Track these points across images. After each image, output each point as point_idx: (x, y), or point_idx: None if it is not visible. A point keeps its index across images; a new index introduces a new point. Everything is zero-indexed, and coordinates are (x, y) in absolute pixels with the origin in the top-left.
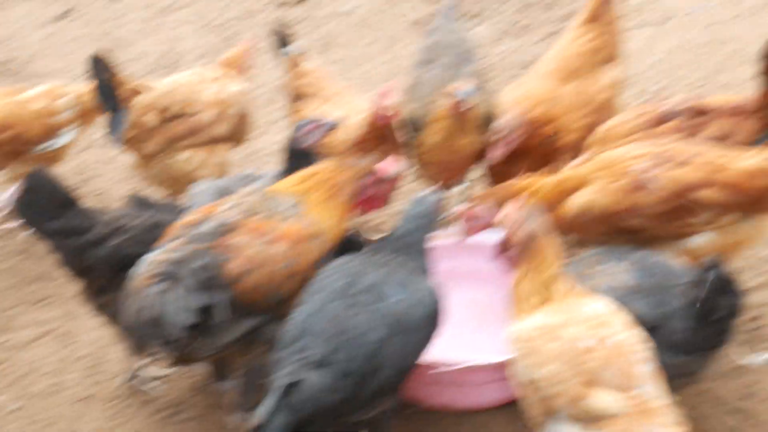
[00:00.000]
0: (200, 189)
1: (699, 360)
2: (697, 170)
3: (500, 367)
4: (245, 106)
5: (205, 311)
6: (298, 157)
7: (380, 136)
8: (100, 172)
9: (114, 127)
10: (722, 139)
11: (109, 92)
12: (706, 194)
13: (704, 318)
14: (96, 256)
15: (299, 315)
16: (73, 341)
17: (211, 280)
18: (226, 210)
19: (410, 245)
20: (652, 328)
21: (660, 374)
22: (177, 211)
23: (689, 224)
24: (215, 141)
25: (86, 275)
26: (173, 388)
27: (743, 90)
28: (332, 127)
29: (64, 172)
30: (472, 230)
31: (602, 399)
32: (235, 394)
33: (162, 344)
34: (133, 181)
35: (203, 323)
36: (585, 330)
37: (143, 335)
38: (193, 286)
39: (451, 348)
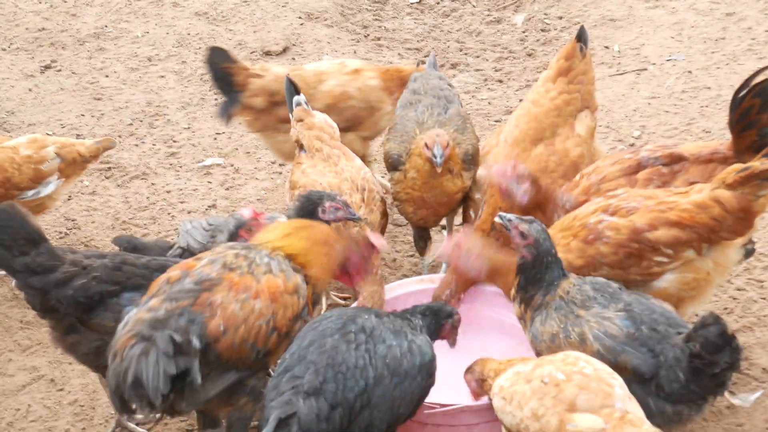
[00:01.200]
0: (190, 227)
1: (694, 408)
2: (645, 213)
3: (490, 408)
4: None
5: (182, 375)
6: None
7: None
8: (87, 220)
9: (224, 108)
10: None
11: (224, 78)
12: (657, 234)
13: (701, 372)
14: (61, 295)
15: (296, 346)
16: (63, 387)
17: (187, 345)
18: (205, 265)
19: (407, 312)
20: (648, 378)
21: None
22: (163, 251)
23: (652, 266)
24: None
25: (51, 315)
26: (164, 431)
27: (722, 136)
28: (353, 220)
29: (53, 219)
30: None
31: (583, 420)
32: None
33: (144, 405)
34: (120, 227)
35: (182, 385)
36: (554, 368)
37: (126, 396)
38: (170, 351)
39: (443, 390)
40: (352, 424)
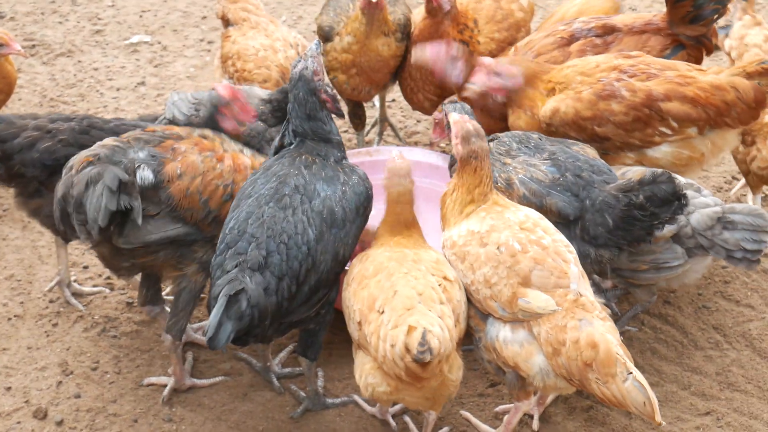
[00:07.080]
0: (176, 98)
1: (614, 253)
2: (663, 83)
3: None
4: None
5: (124, 212)
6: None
7: None
8: (14, 97)
9: None
10: None
11: None
12: (670, 106)
13: (634, 220)
14: (27, 159)
15: (233, 220)
16: None
17: (131, 185)
18: (181, 129)
19: (320, 140)
20: (572, 220)
21: (584, 272)
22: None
23: (654, 134)
24: None
25: (17, 181)
26: (104, 305)
27: (647, 10)
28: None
29: None
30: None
31: (537, 298)
32: (164, 317)
33: (82, 231)
34: (49, 105)
35: (124, 220)
36: (511, 235)
37: (69, 209)
38: (114, 187)
39: None
40: (301, 287)
